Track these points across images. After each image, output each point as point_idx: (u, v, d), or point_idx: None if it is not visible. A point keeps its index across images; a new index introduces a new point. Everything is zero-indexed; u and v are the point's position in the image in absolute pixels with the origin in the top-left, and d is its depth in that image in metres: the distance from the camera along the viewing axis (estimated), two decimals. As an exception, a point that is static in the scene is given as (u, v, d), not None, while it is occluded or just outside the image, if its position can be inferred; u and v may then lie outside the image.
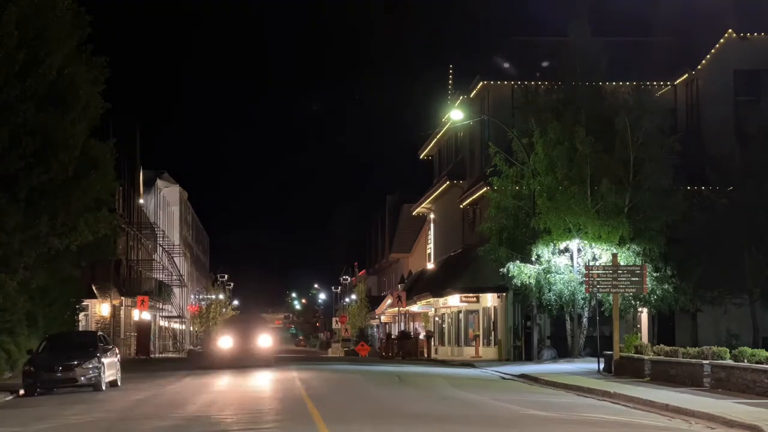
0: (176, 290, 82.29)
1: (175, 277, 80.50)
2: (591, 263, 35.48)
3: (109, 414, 19.91)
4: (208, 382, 29.11)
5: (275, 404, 21.02)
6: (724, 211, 37.38)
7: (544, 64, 42.48)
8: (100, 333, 32.95)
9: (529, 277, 37.98)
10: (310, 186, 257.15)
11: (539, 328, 41.85)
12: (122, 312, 59.80)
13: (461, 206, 54.55)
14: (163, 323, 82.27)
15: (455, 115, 47.60)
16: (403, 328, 70.53)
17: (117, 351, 30.82)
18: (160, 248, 77.21)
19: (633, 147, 37.03)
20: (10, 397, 25.84)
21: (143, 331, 65.10)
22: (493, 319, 48.19)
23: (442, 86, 60.33)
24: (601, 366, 31.81)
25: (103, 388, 26.72)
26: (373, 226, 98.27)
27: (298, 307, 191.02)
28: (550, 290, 37.96)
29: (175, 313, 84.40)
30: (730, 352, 24.50)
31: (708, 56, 45.27)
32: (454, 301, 52.90)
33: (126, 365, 34.30)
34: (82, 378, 26.53)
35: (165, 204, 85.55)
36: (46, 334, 33.67)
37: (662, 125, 38.04)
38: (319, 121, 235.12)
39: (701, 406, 19.42)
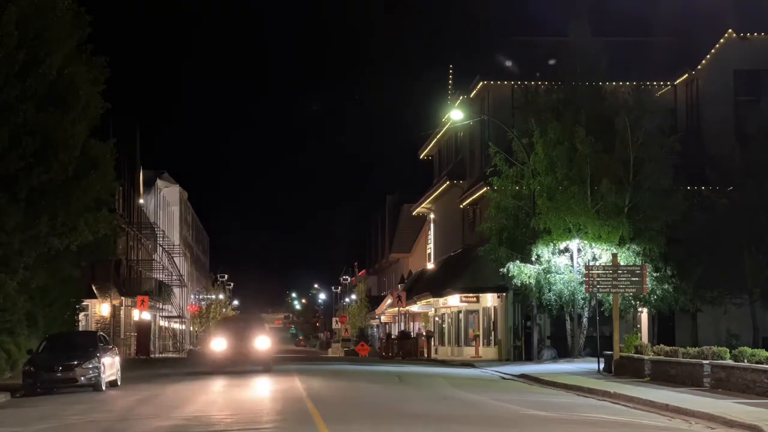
0: (176, 290, 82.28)
1: (175, 277, 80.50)
2: (591, 263, 35.48)
3: (109, 414, 19.91)
4: (206, 383, 29.08)
5: (275, 404, 21.01)
6: (724, 211, 37.39)
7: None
8: (100, 333, 32.95)
9: (529, 277, 37.98)
10: (310, 186, 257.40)
11: (539, 328, 41.86)
12: (122, 312, 59.80)
13: (461, 206, 54.55)
14: (163, 323, 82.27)
15: (455, 115, 47.61)
16: (403, 328, 70.56)
17: (117, 351, 30.82)
18: (160, 248, 77.21)
19: (633, 147, 37.03)
20: (10, 397, 25.83)
21: (143, 331, 65.09)
22: (493, 319, 48.19)
23: (442, 86, 60.40)
24: (601, 366, 31.81)
25: (103, 388, 26.72)
26: (373, 226, 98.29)
27: (298, 307, 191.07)
28: (550, 290, 37.97)
29: (175, 313, 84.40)
30: (730, 352, 24.50)
31: (708, 56, 45.27)
32: (454, 301, 52.90)
33: (126, 365, 34.30)
34: (82, 378, 26.52)
35: (165, 204, 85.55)
36: (46, 334, 33.66)
37: (662, 125, 38.05)
38: (319, 121, 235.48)
39: (701, 406, 19.42)
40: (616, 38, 47.08)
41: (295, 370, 35.90)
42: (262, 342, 33.56)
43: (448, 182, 57.54)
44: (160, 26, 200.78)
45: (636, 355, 29.24)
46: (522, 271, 38.02)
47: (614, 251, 35.38)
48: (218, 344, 33.77)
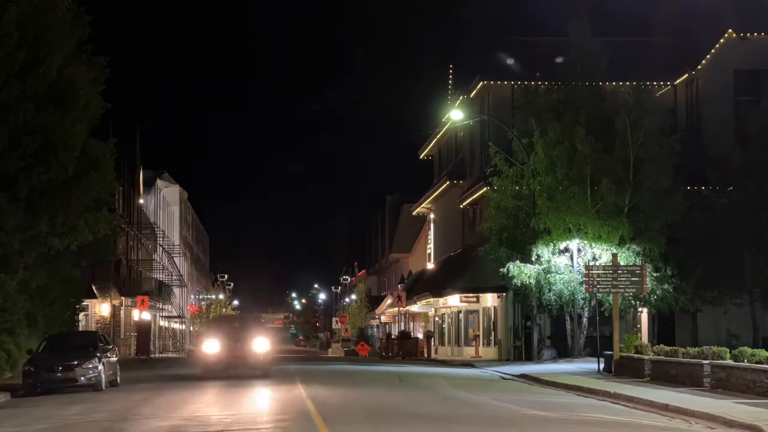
0: (176, 290, 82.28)
1: (175, 277, 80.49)
2: (591, 263, 35.48)
3: (109, 414, 19.90)
4: (205, 384, 29.06)
5: (275, 404, 21.01)
6: (724, 211, 37.39)
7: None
8: (100, 333, 32.95)
9: (529, 277, 37.99)
10: (311, 186, 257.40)
11: (539, 328, 41.86)
12: (122, 312, 59.81)
13: (461, 206, 54.56)
14: (163, 323, 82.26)
15: (455, 115, 47.62)
16: (403, 328, 70.55)
17: (117, 351, 30.81)
18: (160, 248, 77.20)
19: (633, 147, 37.04)
20: (10, 397, 25.83)
21: (143, 331, 65.07)
22: (493, 319, 48.19)
23: (442, 86, 60.43)
24: (601, 366, 31.81)
25: (103, 388, 26.71)
26: (373, 226, 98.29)
27: (298, 307, 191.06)
28: (550, 290, 37.98)
29: (175, 313, 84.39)
30: (730, 352, 24.51)
31: (708, 56, 45.28)
32: (454, 301, 52.90)
33: (126, 365, 34.30)
34: (82, 378, 26.52)
35: (165, 204, 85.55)
36: (46, 334, 33.66)
37: (662, 125, 38.06)
38: (319, 121, 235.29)
39: (701, 406, 19.43)
40: (616, 38, 47.09)
41: (295, 370, 35.89)
42: (261, 344, 30.36)
43: (448, 182, 57.54)
44: (160, 26, 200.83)
45: (636, 355, 29.25)
46: (522, 271, 38.03)
47: (614, 251, 35.38)
48: (211, 346, 30.43)
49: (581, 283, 35.07)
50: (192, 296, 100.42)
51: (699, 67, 45.50)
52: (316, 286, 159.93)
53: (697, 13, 46.76)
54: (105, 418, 18.96)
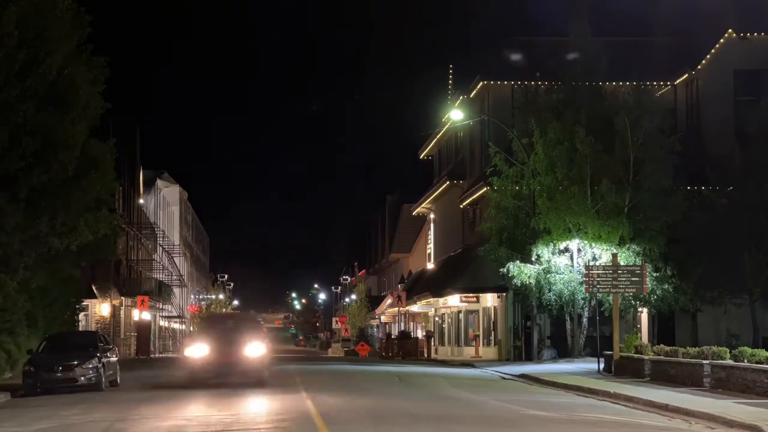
0: (176, 290, 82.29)
1: (175, 277, 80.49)
2: (591, 263, 35.48)
3: (109, 414, 19.89)
4: (205, 384, 29.05)
5: (275, 403, 21.00)
6: (724, 211, 37.39)
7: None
8: (100, 333, 32.93)
9: (529, 277, 37.99)
10: (311, 186, 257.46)
11: (539, 328, 41.86)
12: (122, 312, 59.80)
13: (461, 206, 54.55)
14: (163, 323, 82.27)
15: (455, 115, 47.62)
16: (403, 328, 70.54)
17: (117, 351, 30.80)
18: (160, 248, 77.21)
19: (633, 147, 37.04)
20: (10, 397, 25.82)
21: (143, 331, 65.09)
22: (493, 319, 48.18)
23: (442, 86, 60.42)
24: (601, 366, 31.81)
25: (103, 388, 26.71)
26: (373, 226, 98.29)
27: (298, 307, 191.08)
28: (550, 290, 37.98)
29: (175, 313, 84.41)
30: (730, 352, 24.51)
31: (708, 56, 45.28)
32: (454, 301, 52.90)
33: (126, 365, 34.28)
34: (82, 378, 26.51)
35: (165, 204, 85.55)
36: (46, 334, 33.65)
37: (662, 125, 38.06)
38: (319, 121, 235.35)
39: (701, 406, 19.43)
40: (616, 38, 47.08)
41: (295, 370, 35.88)
42: (255, 348, 26.79)
43: (448, 182, 57.54)
44: (160, 26, 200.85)
45: (636, 355, 29.25)
46: (522, 271, 38.03)
47: (614, 251, 35.38)
48: (198, 349, 26.93)
49: (581, 283, 35.07)
50: (192, 296, 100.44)
51: (699, 67, 45.50)
52: (316, 286, 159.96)
53: (697, 13, 46.77)
54: (105, 418, 18.95)
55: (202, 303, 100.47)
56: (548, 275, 37.83)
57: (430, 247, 67.53)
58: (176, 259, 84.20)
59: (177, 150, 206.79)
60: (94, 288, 51.08)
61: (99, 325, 52.31)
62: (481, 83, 49.26)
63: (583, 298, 37.53)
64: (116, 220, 44.64)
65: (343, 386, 26.82)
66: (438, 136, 61.73)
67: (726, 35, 45.12)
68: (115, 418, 18.87)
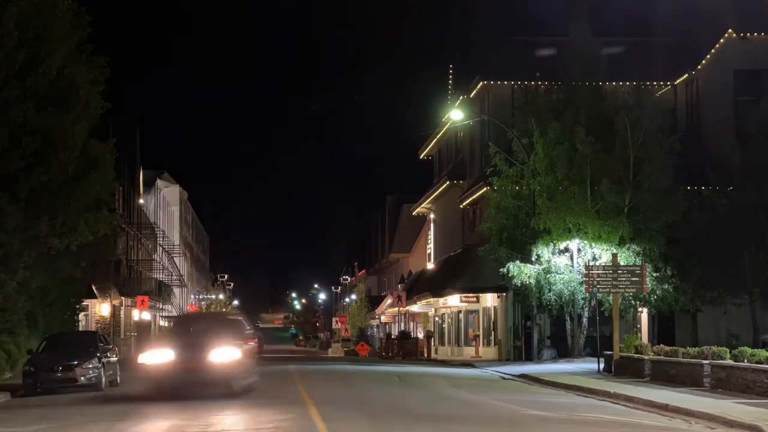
0: (176, 290, 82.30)
1: (175, 277, 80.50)
2: (591, 263, 35.49)
3: (109, 414, 19.89)
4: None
5: (275, 403, 20.98)
6: (724, 211, 37.39)
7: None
8: (100, 333, 32.93)
9: (529, 277, 37.99)
10: (311, 186, 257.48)
11: (539, 328, 41.86)
12: (122, 312, 59.80)
13: (461, 206, 54.55)
14: (164, 323, 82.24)
15: (455, 115, 47.63)
16: (403, 328, 70.55)
17: (117, 351, 30.80)
18: (160, 248, 77.22)
19: (633, 147, 37.04)
20: (10, 397, 25.82)
21: (143, 331, 65.09)
22: (493, 319, 48.19)
23: (442, 86, 60.45)
24: (601, 366, 31.81)
25: (103, 388, 26.72)
26: (373, 226, 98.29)
27: (298, 307, 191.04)
28: (550, 290, 37.98)
29: (175, 313, 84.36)
30: (730, 352, 24.51)
31: (708, 56, 45.28)
32: (454, 301, 52.90)
33: (126, 365, 34.19)
34: (82, 378, 26.52)
35: (165, 204, 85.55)
36: (46, 334, 33.66)
37: (662, 125, 38.07)
38: (319, 121, 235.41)
39: (701, 406, 19.42)
40: (616, 38, 47.07)
41: (295, 370, 35.89)
42: (224, 353, 22.85)
43: (448, 182, 57.54)
44: (160, 26, 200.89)
45: (636, 355, 29.24)
46: (522, 271, 38.03)
47: (614, 251, 35.38)
48: (156, 355, 23.17)
49: (581, 283, 35.07)
50: (192, 296, 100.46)
51: (699, 67, 45.50)
52: (316, 286, 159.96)
53: (697, 13, 46.78)
54: (105, 418, 18.95)
55: (202, 303, 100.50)
56: (548, 275, 37.83)
57: (430, 247, 67.53)
58: (176, 259, 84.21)
59: (177, 150, 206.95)
60: (94, 288, 51.06)
61: (99, 325, 52.30)
62: (481, 83, 49.26)
63: (583, 298, 37.53)
64: (116, 220, 44.63)
65: (343, 386, 26.82)
66: (438, 136, 61.74)
67: (726, 35, 45.12)
68: (115, 418, 18.86)
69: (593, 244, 37.25)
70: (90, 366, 26.64)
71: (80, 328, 45.14)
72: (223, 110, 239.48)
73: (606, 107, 38.72)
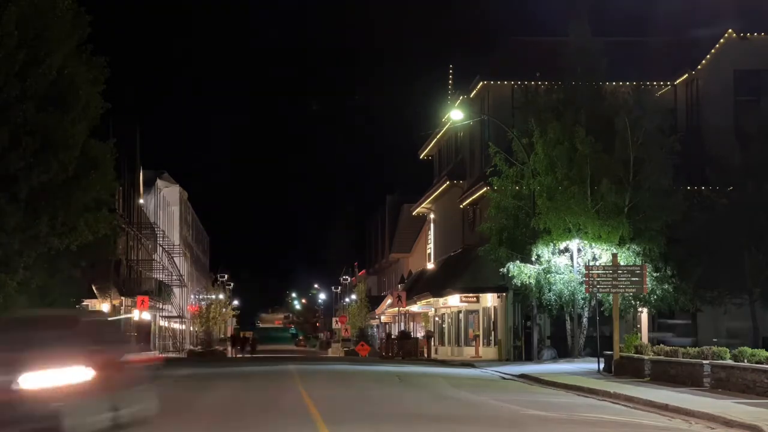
0: (176, 290, 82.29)
1: (175, 277, 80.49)
2: (591, 263, 35.49)
3: (109, 414, 19.85)
4: (209, 382, 29.08)
5: (275, 403, 20.99)
6: (724, 211, 37.39)
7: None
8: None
9: (529, 277, 37.99)
10: (310, 186, 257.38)
11: (539, 328, 41.87)
12: (122, 312, 59.79)
13: (461, 206, 54.56)
14: (163, 323, 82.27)
15: (455, 115, 47.65)
16: (403, 328, 70.56)
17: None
18: (160, 248, 77.21)
19: (633, 147, 37.04)
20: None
21: (143, 331, 65.10)
22: (493, 319, 48.20)
23: (442, 86, 60.49)
24: (601, 366, 31.81)
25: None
26: (373, 226, 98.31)
27: (298, 307, 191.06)
28: (550, 290, 37.98)
29: (175, 313, 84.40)
30: (730, 352, 24.51)
31: (708, 56, 45.28)
32: (454, 301, 52.91)
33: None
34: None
35: (165, 204, 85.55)
36: (46, 334, 33.60)
37: (662, 125, 38.07)
38: (319, 121, 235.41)
39: (701, 406, 19.43)
40: (616, 38, 47.08)
41: (295, 370, 35.88)
42: (48, 377, 13.50)
43: (448, 182, 57.55)
44: (160, 26, 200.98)
45: (636, 355, 29.25)
46: (522, 271, 38.03)
47: (614, 251, 35.39)
48: None
49: (581, 283, 35.07)
50: (192, 296, 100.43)
51: (699, 67, 45.50)
52: (316, 286, 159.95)
53: (697, 13, 46.78)
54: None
55: (202, 303, 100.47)
56: (548, 275, 37.84)
57: (430, 247, 67.54)
58: (176, 259, 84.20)
59: (177, 150, 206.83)
60: (94, 288, 51.07)
61: (99, 325, 52.23)
62: (481, 83, 49.27)
63: (583, 298, 37.53)
64: (116, 220, 44.58)
65: (343, 386, 26.81)
66: (438, 136, 61.75)
67: (726, 35, 45.12)
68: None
69: (593, 244, 37.26)
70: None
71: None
72: (223, 110, 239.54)
73: (606, 107, 38.72)
